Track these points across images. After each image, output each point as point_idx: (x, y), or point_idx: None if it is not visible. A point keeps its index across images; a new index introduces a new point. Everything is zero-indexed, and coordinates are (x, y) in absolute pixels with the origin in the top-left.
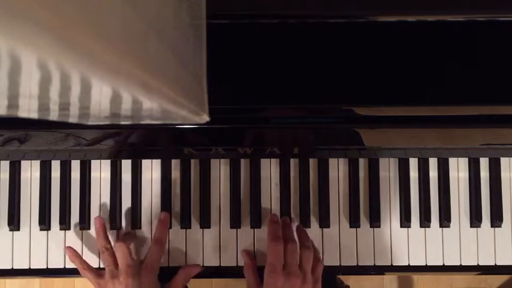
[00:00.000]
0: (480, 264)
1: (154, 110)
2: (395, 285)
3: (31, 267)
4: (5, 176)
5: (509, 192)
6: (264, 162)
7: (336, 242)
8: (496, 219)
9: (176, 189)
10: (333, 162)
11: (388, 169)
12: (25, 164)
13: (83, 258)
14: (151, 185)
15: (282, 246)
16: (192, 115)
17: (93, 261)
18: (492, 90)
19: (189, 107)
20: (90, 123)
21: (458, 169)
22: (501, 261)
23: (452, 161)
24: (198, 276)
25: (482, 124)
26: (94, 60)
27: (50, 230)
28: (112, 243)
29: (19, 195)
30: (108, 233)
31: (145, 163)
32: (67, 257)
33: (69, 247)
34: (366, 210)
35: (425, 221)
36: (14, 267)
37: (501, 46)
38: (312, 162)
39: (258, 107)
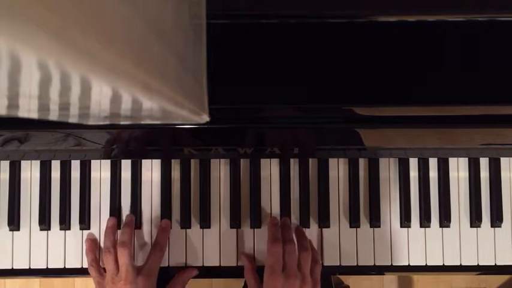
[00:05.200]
0: (480, 264)
1: (154, 110)
2: (395, 285)
3: (31, 267)
4: (5, 176)
5: (509, 192)
6: (264, 162)
7: (336, 242)
8: (496, 219)
9: (176, 189)
10: (333, 162)
11: (388, 169)
12: (25, 164)
13: (96, 256)
14: (151, 185)
15: (281, 248)
16: (192, 115)
17: None
18: (492, 90)
19: (189, 107)
20: (90, 123)
21: (458, 169)
22: (501, 261)
23: (452, 161)
24: (198, 276)
25: (482, 124)
26: (94, 60)
27: (50, 230)
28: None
29: (19, 195)
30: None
31: (145, 163)
32: (67, 255)
33: (91, 239)
34: (366, 210)
35: (425, 221)
36: (14, 267)
37: (501, 46)
38: (312, 162)
39: (258, 107)
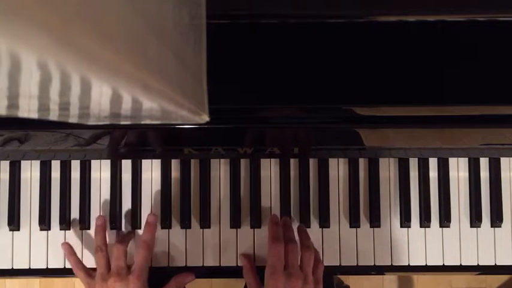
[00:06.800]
0: (480, 264)
1: (154, 110)
2: (395, 285)
3: (31, 267)
4: (5, 176)
5: (509, 192)
6: (264, 162)
7: (336, 242)
8: (496, 219)
9: (176, 189)
10: (333, 162)
11: (388, 169)
12: (25, 164)
13: (79, 257)
14: (151, 185)
15: (282, 247)
16: (192, 115)
17: (93, 260)
18: (492, 90)
19: (189, 107)
20: (90, 123)
21: (458, 169)
22: (501, 261)
23: (452, 161)
24: (198, 276)
25: (482, 124)
26: (94, 60)
27: (50, 230)
28: (109, 242)
29: (19, 195)
30: (107, 234)
31: (145, 163)
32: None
33: (66, 243)
34: (366, 210)
35: (425, 221)
36: (14, 267)
37: (501, 46)
38: (312, 162)
39: (258, 107)
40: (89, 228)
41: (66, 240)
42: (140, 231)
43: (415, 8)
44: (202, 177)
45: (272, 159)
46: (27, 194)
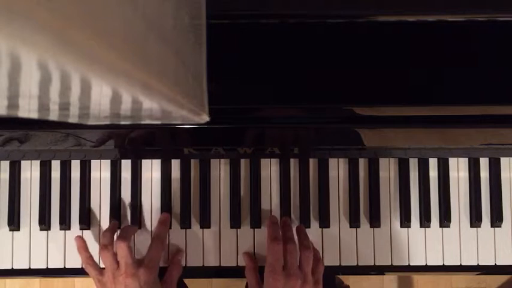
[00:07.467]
0: (480, 264)
1: (154, 110)
2: (395, 285)
3: (31, 267)
4: (5, 176)
5: (509, 192)
6: (264, 162)
7: (336, 242)
8: (496, 219)
9: (176, 189)
10: (333, 162)
11: (388, 169)
12: (25, 164)
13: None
14: (151, 185)
15: (281, 247)
16: (192, 115)
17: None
18: (492, 90)
19: (189, 107)
20: (90, 123)
21: (458, 169)
22: (501, 261)
23: (452, 161)
24: (198, 276)
25: (482, 124)
26: (94, 60)
27: (50, 230)
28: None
29: (19, 195)
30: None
31: (145, 163)
32: (67, 255)
33: (79, 237)
34: (366, 210)
35: (425, 221)
36: (14, 267)
37: (501, 46)
38: (312, 162)
39: (258, 107)
40: (89, 228)
41: (67, 240)
42: (140, 232)
43: (415, 8)
44: (202, 177)
45: (272, 159)
46: (27, 194)
